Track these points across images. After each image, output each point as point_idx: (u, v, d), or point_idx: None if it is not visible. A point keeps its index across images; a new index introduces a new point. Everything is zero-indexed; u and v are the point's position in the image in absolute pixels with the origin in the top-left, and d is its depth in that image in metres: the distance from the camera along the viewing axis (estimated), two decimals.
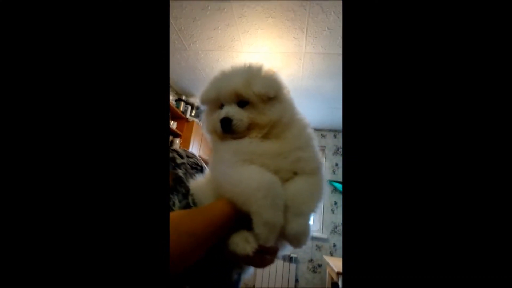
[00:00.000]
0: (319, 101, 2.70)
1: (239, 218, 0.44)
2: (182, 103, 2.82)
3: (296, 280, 3.02)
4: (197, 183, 0.56)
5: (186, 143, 2.75)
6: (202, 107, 0.56)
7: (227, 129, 0.48)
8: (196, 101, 2.93)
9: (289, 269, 2.97)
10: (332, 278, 2.50)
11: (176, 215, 0.43)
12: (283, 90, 0.51)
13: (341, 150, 3.37)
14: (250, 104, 0.49)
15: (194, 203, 0.52)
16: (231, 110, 0.48)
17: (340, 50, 1.91)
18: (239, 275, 0.57)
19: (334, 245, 3.07)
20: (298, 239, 0.42)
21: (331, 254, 3.05)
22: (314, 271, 3.04)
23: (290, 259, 3.02)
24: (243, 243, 0.43)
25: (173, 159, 0.62)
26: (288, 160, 0.46)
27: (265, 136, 0.49)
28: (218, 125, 0.48)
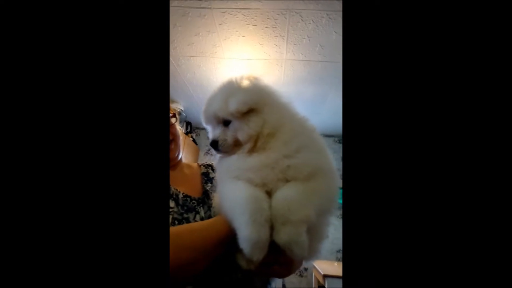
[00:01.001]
0: (300, 106, 2.71)
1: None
2: None
3: (283, 285, 3.02)
4: (216, 197, 0.59)
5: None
6: (207, 128, 0.59)
7: (216, 150, 0.51)
8: (177, 107, 2.88)
9: None
10: (318, 281, 2.53)
11: (176, 230, 0.45)
12: (264, 100, 0.50)
13: None
14: (232, 122, 0.50)
15: (215, 215, 0.57)
16: (217, 132, 0.52)
17: (319, 57, 1.97)
18: (266, 283, 0.59)
19: None
20: (290, 249, 0.40)
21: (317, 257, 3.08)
22: (300, 275, 3.05)
23: None
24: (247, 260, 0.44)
25: (207, 173, 0.71)
26: (276, 170, 0.45)
27: (253, 150, 0.49)
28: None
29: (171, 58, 2.11)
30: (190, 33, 1.81)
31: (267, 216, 0.41)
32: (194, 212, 0.57)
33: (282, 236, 0.40)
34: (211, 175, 0.70)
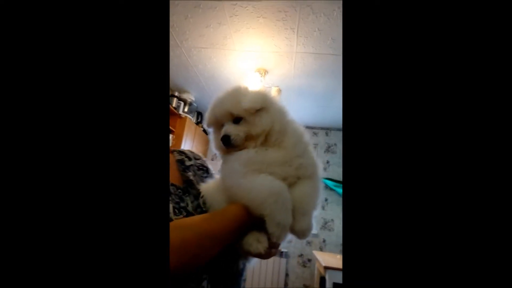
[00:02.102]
0: (311, 99, 2.73)
1: (251, 221, 0.49)
2: (175, 99, 2.83)
3: (286, 274, 3.10)
4: (207, 186, 0.61)
5: (178, 140, 2.76)
6: (209, 130, 0.64)
7: (227, 144, 0.55)
8: (189, 97, 2.94)
9: (280, 264, 3.04)
10: (320, 272, 2.57)
11: (197, 220, 0.49)
12: (271, 102, 0.57)
13: (332, 147, 3.42)
14: (244, 119, 0.55)
15: (204, 204, 0.58)
16: (228, 128, 0.55)
17: (330, 51, 1.94)
18: (244, 264, 0.64)
19: (324, 241, 3.15)
20: (304, 234, 0.50)
21: (321, 249, 3.12)
22: (304, 266, 3.11)
23: (281, 254, 3.09)
24: (256, 243, 0.50)
25: (182, 161, 0.66)
26: (292, 167, 0.52)
27: (265, 145, 0.54)
28: (221, 142, 0.55)
29: (182, 50, 2.15)
30: (202, 25, 1.83)
31: (291, 205, 0.48)
32: (184, 202, 0.57)
33: (302, 224, 0.49)
34: (187, 163, 0.66)
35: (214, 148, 0.62)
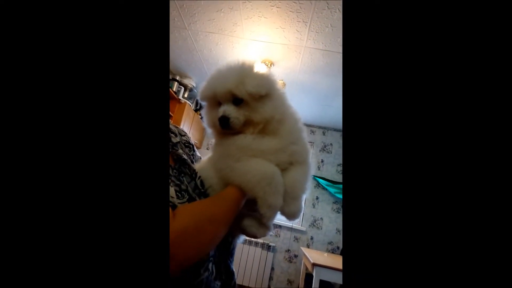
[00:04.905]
0: (313, 96, 2.72)
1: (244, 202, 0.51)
2: (176, 84, 2.76)
3: (272, 268, 3.12)
4: (203, 166, 0.59)
5: (176, 124, 2.71)
6: (203, 103, 0.60)
7: (225, 126, 0.52)
8: (190, 83, 2.88)
9: (266, 257, 3.06)
10: (307, 269, 2.61)
11: (196, 206, 0.47)
12: (274, 87, 0.54)
13: (328, 147, 3.43)
14: (245, 102, 0.52)
15: (202, 185, 0.55)
16: (228, 109, 0.52)
17: (340, 49, 1.92)
18: (233, 239, 0.65)
19: (312, 238, 3.18)
20: (293, 216, 0.52)
21: (308, 246, 3.16)
22: (290, 261, 3.14)
23: (268, 248, 3.11)
24: (260, 228, 0.53)
25: (169, 138, 0.59)
26: (286, 154, 0.53)
27: (262, 131, 0.53)
28: (217, 122, 0.52)
29: (189, 32, 2.09)
30: (213, 8, 1.78)
31: (283, 189, 0.49)
32: (184, 184, 0.53)
33: (292, 208, 0.51)
34: (173, 140, 0.60)
35: (206, 125, 0.60)
